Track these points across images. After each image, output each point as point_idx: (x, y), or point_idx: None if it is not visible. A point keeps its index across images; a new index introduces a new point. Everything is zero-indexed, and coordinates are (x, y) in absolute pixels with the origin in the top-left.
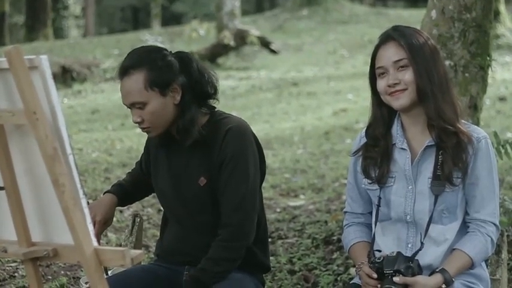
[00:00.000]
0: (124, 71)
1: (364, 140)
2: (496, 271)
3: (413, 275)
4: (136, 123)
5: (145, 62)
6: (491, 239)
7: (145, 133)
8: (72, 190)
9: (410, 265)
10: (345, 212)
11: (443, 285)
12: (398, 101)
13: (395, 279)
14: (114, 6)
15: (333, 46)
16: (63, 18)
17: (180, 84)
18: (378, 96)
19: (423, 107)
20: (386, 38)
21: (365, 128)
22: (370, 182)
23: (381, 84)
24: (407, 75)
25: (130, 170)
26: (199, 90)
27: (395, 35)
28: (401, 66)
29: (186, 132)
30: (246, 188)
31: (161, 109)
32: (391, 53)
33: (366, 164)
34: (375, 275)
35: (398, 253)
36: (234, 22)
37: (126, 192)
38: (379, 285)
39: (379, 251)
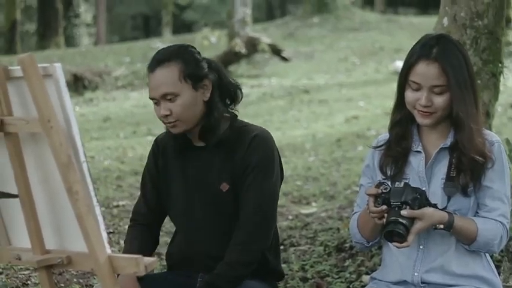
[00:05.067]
0: (158, 62)
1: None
2: (509, 278)
3: (420, 206)
4: (162, 116)
5: (180, 55)
6: (501, 235)
7: (170, 127)
8: (85, 198)
9: (418, 196)
10: (354, 214)
11: (441, 225)
12: (424, 121)
13: (403, 212)
14: (126, 14)
15: (344, 53)
16: (74, 26)
17: (211, 81)
18: (404, 97)
19: (457, 135)
20: (430, 56)
21: (389, 126)
22: (383, 178)
23: (411, 96)
24: (441, 101)
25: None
26: (227, 92)
27: (442, 57)
28: (438, 91)
29: (213, 130)
30: (267, 194)
31: (191, 103)
32: (432, 76)
33: (385, 161)
34: (378, 191)
35: (406, 184)
36: (245, 30)
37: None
38: (385, 215)
39: (387, 184)
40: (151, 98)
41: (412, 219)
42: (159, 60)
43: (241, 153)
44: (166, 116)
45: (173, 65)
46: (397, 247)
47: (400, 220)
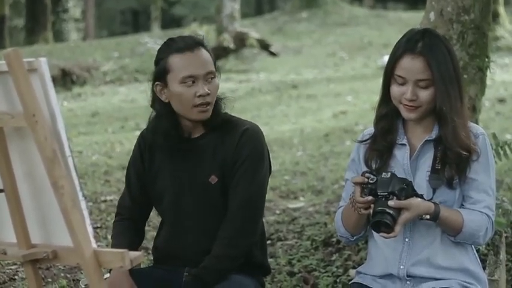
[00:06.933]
0: (197, 43)
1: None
2: (494, 272)
3: (406, 197)
4: (204, 95)
5: (208, 45)
6: (487, 227)
7: (204, 112)
8: (71, 192)
9: (404, 187)
10: (339, 208)
11: (428, 216)
12: (409, 115)
13: (390, 203)
14: (114, 9)
15: (332, 48)
16: (63, 21)
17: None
18: (389, 92)
19: (441, 130)
20: (415, 50)
21: (374, 121)
22: (368, 172)
23: (396, 91)
24: (426, 95)
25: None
26: None
27: (427, 51)
28: (423, 85)
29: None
30: (256, 188)
31: (218, 87)
32: (417, 70)
33: (370, 154)
34: (365, 180)
35: (392, 174)
36: (234, 25)
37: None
38: (372, 205)
39: (374, 174)
40: (191, 76)
41: (399, 210)
42: (197, 42)
43: (232, 146)
44: (207, 95)
45: (207, 49)
46: (384, 237)
47: (387, 210)
